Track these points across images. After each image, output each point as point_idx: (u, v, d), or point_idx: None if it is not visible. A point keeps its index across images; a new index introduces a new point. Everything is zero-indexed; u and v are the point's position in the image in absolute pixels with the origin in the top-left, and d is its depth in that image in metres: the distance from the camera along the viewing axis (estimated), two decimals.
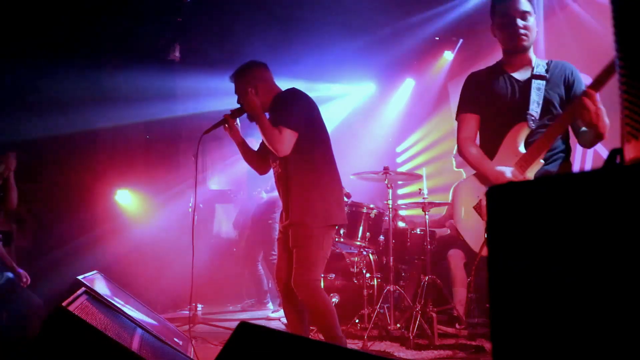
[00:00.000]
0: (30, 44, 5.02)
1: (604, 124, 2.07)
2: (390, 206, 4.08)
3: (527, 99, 2.24)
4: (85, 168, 5.69)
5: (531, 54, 2.34)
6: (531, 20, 2.24)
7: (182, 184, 6.17)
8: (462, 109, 2.44)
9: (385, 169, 4.15)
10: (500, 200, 0.81)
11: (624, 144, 0.78)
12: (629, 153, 0.77)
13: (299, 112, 2.67)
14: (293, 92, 2.77)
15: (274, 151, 2.63)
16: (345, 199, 4.17)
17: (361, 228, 4.15)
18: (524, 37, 2.24)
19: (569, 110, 2.17)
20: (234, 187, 6.61)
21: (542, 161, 2.20)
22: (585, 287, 0.68)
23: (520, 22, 2.21)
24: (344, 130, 6.99)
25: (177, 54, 5.80)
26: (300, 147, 2.63)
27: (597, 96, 2.03)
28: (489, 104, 2.35)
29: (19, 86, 5.05)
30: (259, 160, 2.94)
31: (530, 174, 2.21)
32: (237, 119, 2.86)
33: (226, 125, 2.83)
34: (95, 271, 2.70)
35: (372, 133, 7.10)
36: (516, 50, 2.30)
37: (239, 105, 2.83)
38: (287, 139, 2.59)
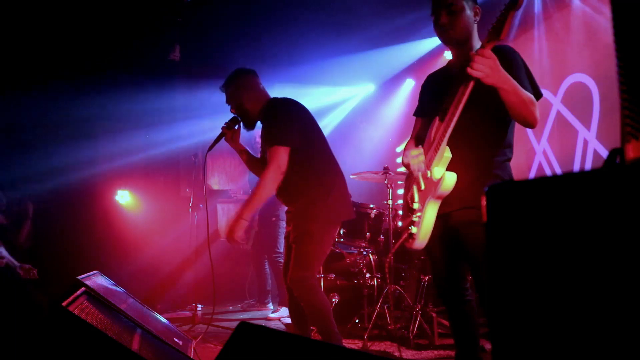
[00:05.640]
0: (29, 45, 5.02)
1: (503, 80, 1.84)
2: (391, 206, 4.08)
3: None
4: (85, 167, 5.69)
5: (475, 44, 2.16)
6: (461, 12, 2.10)
7: (183, 184, 6.17)
8: (414, 113, 2.46)
9: (385, 168, 4.15)
10: (500, 200, 0.81)
11: (624, 144, 0.78)
12: (629, 153, 0.77)
13: (291, 125, 2.70)
14: (282, 104, 2.80)
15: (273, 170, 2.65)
16: None
17: (361, 228, 4.15)
18: (450, 32, 2.13)
19: (459, 79, 1.95)
20: (236, 187, 6.61)
21: (447, 155, 2.03)
22: (585, 286, 0.68)
23: (445, 17, 2.12)
24: (344, 131, 6.99)
25: (177, 54, 5.80)
26: (297, 155, 2.66)
27: (488, 51, 1.81)
28: (430, 105, 2.32)
29: (20, 86, 5.06)
30: (262, 167, 2.96)
31: (438, 170, 2.06)
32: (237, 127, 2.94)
33: (226, 136, 2.92)
34: (95, 271, 2.70)
35: (372, 133, 7.11)
36: (448, 45, 2.23)
37: (233, 115, 2.90)
38: (282, 157, 2.62)
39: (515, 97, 1.90)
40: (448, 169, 2.06)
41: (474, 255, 2.06)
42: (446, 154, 2.05)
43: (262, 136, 2.82)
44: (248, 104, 2.81)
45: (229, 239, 2.59)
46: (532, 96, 1.95)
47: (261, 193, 2.64)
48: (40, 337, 1.68)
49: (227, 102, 2.87)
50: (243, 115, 2.86)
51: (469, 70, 1.85)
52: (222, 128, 2.90)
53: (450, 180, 2.03)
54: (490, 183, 2.04)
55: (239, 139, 2.93)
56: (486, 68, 1.82)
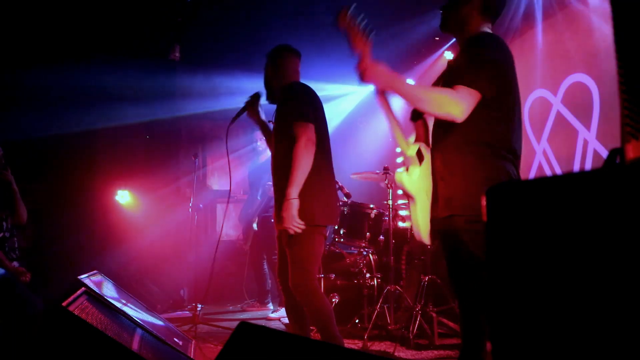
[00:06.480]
0: (28, 44, 5.02)
1: (384, 83, 1.98)
2: (391, 206, 4.08)
3: None
4: (85, 168, 5.69)
5: (472, 32, 2.10)
6: (453, 2, 2.11)
7: (183, 184, 6.17)
8: None
9: (385, 168, 4.15)
10: (500, 200, 0.81)
11: (624, 144, 0.78)
12: (629, 153, 0.77)
13: (310, 105, 2.72)
14: (305, 87, 2.84)
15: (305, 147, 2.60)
16: (345, 199, 4.18)
17: (361, 228, 4.15)
18: (442, 19, 2.16)
19: None
20: (236, 187, 6.60)
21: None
22: (586, 286, 0.68)
23: (444, 5, 2.15)
24: (344, 130, 6.99)
25: (177, 54, 5.80)
26: (292, 145, 2.62)
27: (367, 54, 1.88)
28: None
29: (19, 86, 5.06)
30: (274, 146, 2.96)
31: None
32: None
33: (248, 111, 2.99)
34: (95, 271, 2.70)
35: (372, 133, 7.10)
36: (445, 33, 2.25)
37: (255, 92, 3.00)
38: (310, 131, 2.61)
39: (406, 98, 2.00)
40: (434, 173, 2.12)
41: (460, 262, 2.04)
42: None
43: (279, 115, 2.80)
44: (274, 80, 2.89)
45: (288, 225, 2.54)
46: (433, 94, 2.03)
47: (300, 167, 2.55)
48: (41, 337, 1.68)
49: (265, 69, 2.96)
50: (268, 88, 2.94)
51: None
52: (247, 102, 2.99)
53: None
54: (479, 189, 1.92)
55: (259, 112, 3.00)
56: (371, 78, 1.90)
